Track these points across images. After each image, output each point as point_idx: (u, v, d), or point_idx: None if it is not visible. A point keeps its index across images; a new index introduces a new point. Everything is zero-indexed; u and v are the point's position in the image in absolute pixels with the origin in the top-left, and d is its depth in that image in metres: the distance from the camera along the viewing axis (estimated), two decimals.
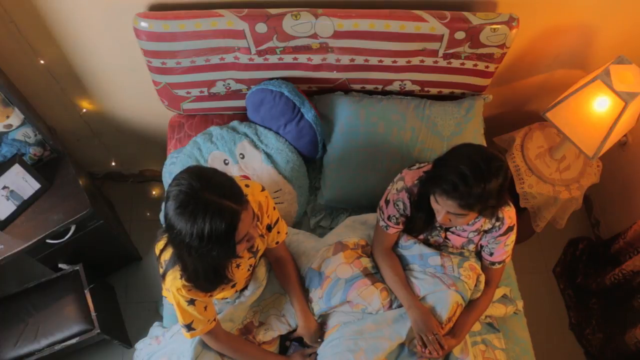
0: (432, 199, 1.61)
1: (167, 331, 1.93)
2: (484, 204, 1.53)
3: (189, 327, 1.64)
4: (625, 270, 2.37)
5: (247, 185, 1.64)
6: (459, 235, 1.83)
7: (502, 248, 1.80)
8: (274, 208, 1.73)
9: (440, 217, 1.61)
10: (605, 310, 2.59)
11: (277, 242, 1.81)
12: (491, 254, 1.83)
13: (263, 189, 1.68)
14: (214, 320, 1.68)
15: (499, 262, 1.84)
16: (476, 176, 1.47)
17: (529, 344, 2.00)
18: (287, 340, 1.90)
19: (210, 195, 1.31)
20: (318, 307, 1.86)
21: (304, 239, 2.02)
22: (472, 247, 1.86)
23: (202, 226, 1.29)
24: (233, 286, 1.78)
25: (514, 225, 1.77)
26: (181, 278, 1.51)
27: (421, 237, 1.91)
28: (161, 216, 2.18)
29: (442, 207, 1.58)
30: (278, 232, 1.77)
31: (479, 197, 1.49)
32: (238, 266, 1.70)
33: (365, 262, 1.89)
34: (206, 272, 1.49)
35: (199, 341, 1.75)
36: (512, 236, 1.79)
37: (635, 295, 2.36)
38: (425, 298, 1.84)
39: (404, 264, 1.92)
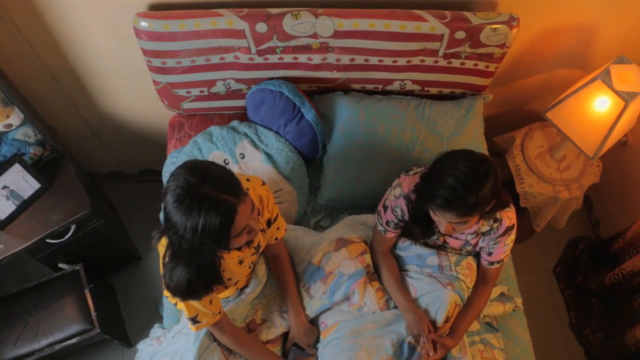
0: (431, 212, 1.60)
1: (168, 332, 1.93)
2: (482, 208, 1.54)
3: (194, 320, 1.64)
4: (625, 270, 2.37)
5: (247, 180, 1.64)
6: (457, 239, 1.83)
7: (502, 248, 1.80)
8: (274, 203, 1.73)
9: (443, 228, 1.61)
10: (605, 310, 2.59)
11: (276, 239, 1.81)
12: (490, 254, 1.83)
13: (264, 184, 1.69)
14: (219, 313, 1.68)
15: (497, 262, 1.84)
16: (466, 187, 1.47)
17: (528, 343, 2.00)
18: (287, 345, 1.89)
19: (206, 189, 1.31)
20: (320, 302, 1.86)
21: (302, 234, 2.03)
22: (470, 248, 1.87)
23: (197, 220, 1.30)
24: (235, 284, 1.77)
25: (513, 225, 1.77)
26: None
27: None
28: (161, 216, 2.18)
29: (442, 219, 1.58)
30: (277, 228, 1.77)
31: (475, 204, 1.50)
32: (241, 262, 1.69)
33: (369, 259, 1.89)
34: (199, 270, 1.46)
35: (201, 341, 1.75)
36: (512, 236, 1.79)
37: (635, 295, 2.36)
38: (421, 298, 1.84)
39: (401, 265, 1.92)
